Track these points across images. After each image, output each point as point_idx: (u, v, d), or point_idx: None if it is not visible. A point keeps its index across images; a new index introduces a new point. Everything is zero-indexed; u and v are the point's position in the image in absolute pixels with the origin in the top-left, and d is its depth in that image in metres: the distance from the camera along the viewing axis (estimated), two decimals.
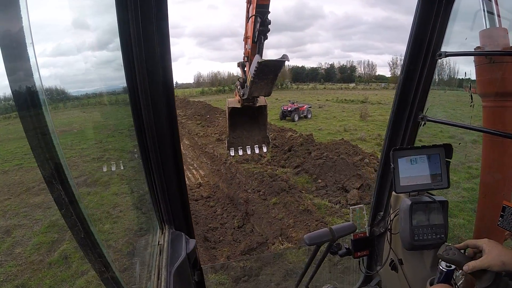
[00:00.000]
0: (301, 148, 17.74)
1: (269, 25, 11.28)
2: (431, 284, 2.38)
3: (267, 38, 11.81)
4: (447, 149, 2.57)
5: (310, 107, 37.16)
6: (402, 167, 2.57)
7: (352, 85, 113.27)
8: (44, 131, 1.04)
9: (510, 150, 2.58)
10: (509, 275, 1.72)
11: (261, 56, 11.29)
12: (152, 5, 1.44)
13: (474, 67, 2.64)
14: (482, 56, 2.59)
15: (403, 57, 2.65)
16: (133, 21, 1.42)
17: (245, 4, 12.09)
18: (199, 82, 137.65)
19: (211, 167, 17.40)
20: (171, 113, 1.72)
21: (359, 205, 3.17)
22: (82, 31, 2.10)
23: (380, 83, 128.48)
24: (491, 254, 1.75)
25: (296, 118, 33.00)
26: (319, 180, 13.82)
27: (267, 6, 10.96)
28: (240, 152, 14.13)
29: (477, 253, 1.89)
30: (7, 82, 0.93)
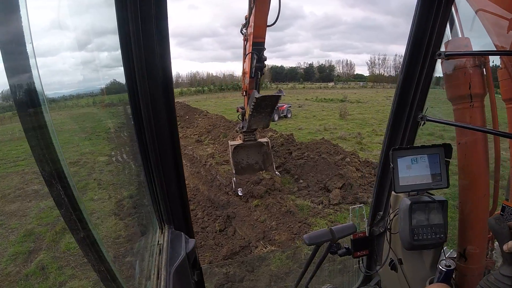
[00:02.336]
0: (281, 148, 17.66)
1: (265, 61, 12.10)
2: (431, 284, 2.39)
3: (263, 74, 12.79)
4: (447, 149, 2.58)
5: (290, 106, 37.24)
6: (402, 167, 2.58)
7: (331, 84, 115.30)
8: (44, 130, 1.04)
9: (481, 146, 2.58)
10: None
11: (258, 91, 12.36)
12: (151, 5, 1.44)
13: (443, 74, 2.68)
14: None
15: (381, 56, 2.67)
16: (133, 21, 1.42)
17: (242, 42, 13.11)
18: (177, 83, 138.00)
19: (190, 169, 16.99)
20: (171, 113, 1.72)
21: (358, 205, 3.18)
22: (81, 30, 2.10)
23: (358, 82, 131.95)
24: None
25: (276, 118, 32.98)
26: (301, 180, 13.77)
27: (263, 44, 11.71)
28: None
29: None
30: (6, 81, 0.93)
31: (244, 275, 7.59)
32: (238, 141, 14.33)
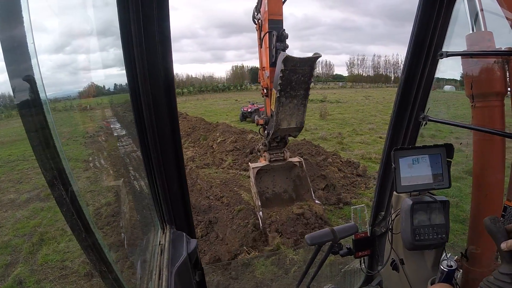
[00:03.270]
0: None
1: (286, 40, 9.21)
2: (432, 284, 2.39)
3: None
4: (448, 149, 2.58)
5: None
6: (403, 167, 2.57)
7: (311, 84, 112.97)
8: (46, 131, 1.04)
9: (498, 147, 2.57)
10: None
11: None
12: (153, 6, 1.44)
13: (462, 70, 2.64)
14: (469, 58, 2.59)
15: (360, 57, 2.66)
16: (135, 21, 1.42)
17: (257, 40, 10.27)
18: None
19: None
20: (173, 113, 1.72)
21: (360, 205, 3.19)
22: (84, 31, 2.11)
23: (338, 82, 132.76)
24: None
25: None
26: None
27: (281, 22, 9.24)
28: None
29: None
30: (8, 81, 0.93)
31: (228, 283, 7.45)
32: (262, 162, 10.66)
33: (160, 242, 2.02)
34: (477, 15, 2.50)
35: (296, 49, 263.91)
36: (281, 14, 9.22)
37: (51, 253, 8.09)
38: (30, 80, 0.97)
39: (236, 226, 9.83)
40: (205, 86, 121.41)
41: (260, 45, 10.08)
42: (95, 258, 1.34)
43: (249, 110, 33.14)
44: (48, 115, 1.03)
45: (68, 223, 1.21)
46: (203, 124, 27.71)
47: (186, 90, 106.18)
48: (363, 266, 3.40)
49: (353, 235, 3.11)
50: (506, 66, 2.40)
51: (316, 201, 10.29)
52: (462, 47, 2.56)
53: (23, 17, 0.92)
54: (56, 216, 9.76)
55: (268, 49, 9.43)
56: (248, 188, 12.74)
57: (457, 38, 2.59)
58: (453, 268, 2.28)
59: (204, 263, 8.40)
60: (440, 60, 2.57)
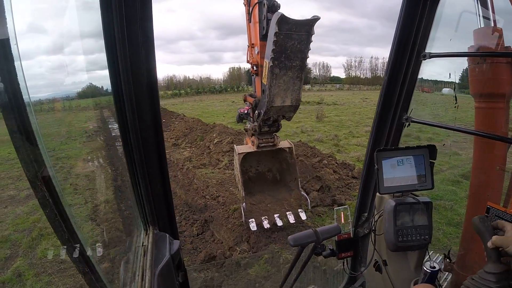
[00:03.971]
0: None
1: (279, 9, 7.82)
2: (415, 285, 2.41)
3: None
4: (431, 150, 2.59)
5: None
6: (386, 168, 2.58)
7: (307, 86, 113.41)
8: (29, 131, 1.04)
9: (498, 151, 2.59)
10: None
11: None
12: (136, 7, 1.44)
13: (468, 67, 2.64)
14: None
15: (357, 59, 2.64)
16: (118, 22, 1.42)
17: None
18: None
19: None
20: (156, 114, 1.72)
21: (343, 206, 3.19)
22: (67, 31, 2.09)
23: (335, 84, 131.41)
24: None
25: None
26: None
27: None
28: (266, 224, 8.77)
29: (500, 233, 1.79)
30: None
31: (222, 279, 7.47)
32: (249, 146, 9.64)
33: (143, 243, 2.01)
34: (487, 10, 2.50)
35: None
36: None
37: (50, 247, 8.12)
38: (12, 81, 0.96)
39: (231, 225, 9.86)
40: (202, 88, 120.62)
41: (249, 20, 8.79)
42: (78, 259, 1.34)
43: (246, 111, 32.78)
44: (31, 115, 1.03)
45: (51, 224, 1.21)
46: (200, 125, 27.63)
47: (183, 91, 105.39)
48: (346, 267, 3.41)
49: (336, 236, 3.11)
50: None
51: (302, 192, 9.71)
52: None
53: (6, 19, 0.92)
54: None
55: (258, 23, 8.23)
56: None
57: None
58: (436, 269, 2.29)
59: (199, 261, 8.54)
60: (423, 61, 2.59)
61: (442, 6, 2.45)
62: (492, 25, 2.50)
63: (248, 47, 9.20)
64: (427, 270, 2.30)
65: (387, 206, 2.58)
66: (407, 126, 2.80)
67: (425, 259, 2.65)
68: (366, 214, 3.22)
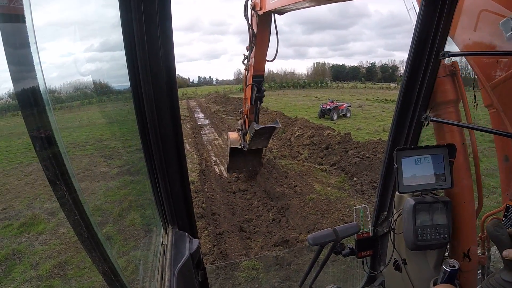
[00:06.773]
0: (338, 146, 17.76)
1: (264, 92, 12.70)
2: (435, 284, 2.38)
3: (262, 102, 13.38)
4: (451, 149, 2.56)
5: (350, 106, 36.62)
6: (406, 167, 2.56)
7: (393, 84, 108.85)
8: (48, 130, 1.04)
9: None
10: None
11: (258, 117, 13.29)
12: (155, 5, 1.43)
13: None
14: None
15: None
16: (137, 21, 1.42)
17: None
18: (239, 79, 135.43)
19: None
20: (175, 114, 1.72)
21: (362, 205, 3.17)
22: (85, 31, 2.10)
23: None
24: None
25: (335, 117, 32.81)
26: (355, 179, 14.00)
27: (263, 76, 12.33)
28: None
29: None
30: (10, 81, 0.93)
31: (292, 259, 7.95)
32: (237, 142, 14.70)
33: (162, 242, 2.02)
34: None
35: (380, 47, 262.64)
36: (263, 71, 12.19)
37: (138, 216, 8.78)
38: (32, 80, 0.97)
39: (305, 213, 10.52)
40: (285, 82, 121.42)
41: (246, 83, 12.95)
42: (98, 258, 1.34)
43: (328, 107, 33.65)
44: (50, 114, 1.03)
45: (70, 223, 1.21)
46: (282, 118, 28.29)
47: (267, 85, 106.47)
48: (366, 266, 3.39)
49: (355, 235, 3.10)
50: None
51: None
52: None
53: (25, 17, 0.92)
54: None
55: (249, 99, 12.90)
56: (320, 180, 14.15)
57: None
58: (455, 268, 2.27)
59: (272, 243, 9.38)
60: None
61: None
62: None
63: (244, 99, 13.75)
64: (447, 270, 2.28)
65: (407, 205, 2.56)
66: (426, 126, 2.76)
67: (444, 258, 2.63)
68: (385, 213, 3.19)
